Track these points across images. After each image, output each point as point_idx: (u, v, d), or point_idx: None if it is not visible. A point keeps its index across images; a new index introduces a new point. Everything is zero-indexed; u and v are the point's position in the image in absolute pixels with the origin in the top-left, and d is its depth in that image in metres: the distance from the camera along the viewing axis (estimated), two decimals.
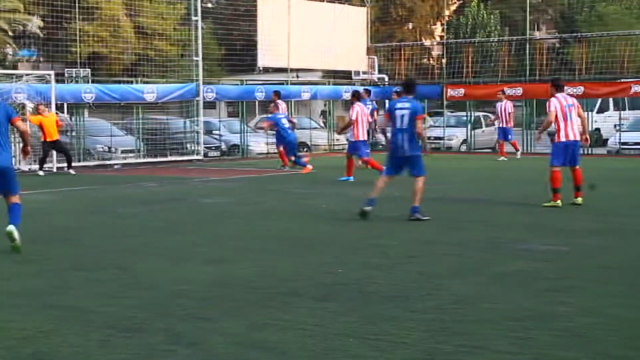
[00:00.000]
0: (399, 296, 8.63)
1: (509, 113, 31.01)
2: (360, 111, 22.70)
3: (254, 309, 8.15)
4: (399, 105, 15.03)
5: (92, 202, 18.48)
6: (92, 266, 10.58)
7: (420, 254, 11.24)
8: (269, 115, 27.90)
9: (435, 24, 59.98)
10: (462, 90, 37.46)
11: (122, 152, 30.81)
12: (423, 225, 13.96)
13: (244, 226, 14.28)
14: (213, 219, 15.28)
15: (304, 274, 9.88)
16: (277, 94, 28.32)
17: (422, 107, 15.87)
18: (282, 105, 27.80)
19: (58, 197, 19.89)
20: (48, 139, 25.87)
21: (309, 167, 25.43)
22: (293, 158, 25.96)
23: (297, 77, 39.62)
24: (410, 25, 58.90)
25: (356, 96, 23.22)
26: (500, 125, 31.39)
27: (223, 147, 35.28)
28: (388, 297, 8.60)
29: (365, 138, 23.15)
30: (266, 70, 41.20)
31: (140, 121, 31.76)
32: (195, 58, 33.41)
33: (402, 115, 14.74)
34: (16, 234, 11.75)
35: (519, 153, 31.69)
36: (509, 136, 31.29)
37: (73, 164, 26.83)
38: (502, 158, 30.55)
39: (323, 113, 44.81)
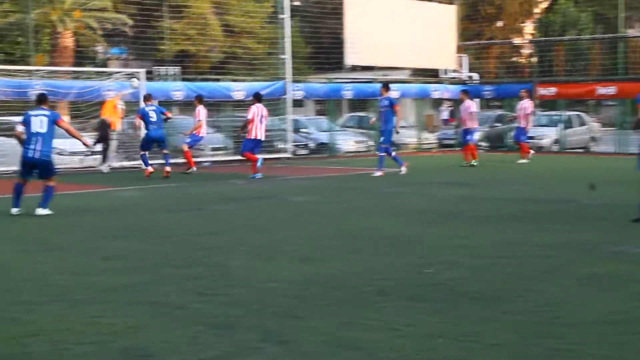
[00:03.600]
0: (489, 297, 8.54)
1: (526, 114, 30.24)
2: (257, 111, 24.08)
3: (344, 308, 8.15)
4: None
5: (182, 199, 18.69)
6: (182, 263, 10.70)
7: (509, 254, 11.09)
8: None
9: (525, 22, 59.37)
10: (553, 89, 37.03)
11: (211, 149, 31.04)
12: (511, 226, 13.82)
13: (331, 225, 14.29)
14: (301, 217, 15.34)
15: (393, 273, 9.86)
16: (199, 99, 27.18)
17: None
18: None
19: (147, 194, 20.14)
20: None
21: (150, 169, 24.34)
22: (141, 153, 25.06)
23: (385, 75, 39.57)
24: (500, 23, 58.41)
25: (257, 97, 24.67)
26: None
27: (311, 145, 35.38)
28: (477, 297, 8.52)
29: (262, 137, 24.37)
30: (354, 68, 41.25)
31: (229, 119, 32.02)
32: (283, 56, 33.56)
33: None
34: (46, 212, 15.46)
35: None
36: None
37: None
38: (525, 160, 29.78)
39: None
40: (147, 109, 24.32)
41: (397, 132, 24.73)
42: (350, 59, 37.24)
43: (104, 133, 27.02)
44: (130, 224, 14.61)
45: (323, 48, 39.03)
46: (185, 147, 26.16)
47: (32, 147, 15.57)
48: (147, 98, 24.99)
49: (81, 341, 7.10)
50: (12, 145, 26.62)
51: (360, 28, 36.27)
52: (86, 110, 29.34)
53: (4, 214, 15.59)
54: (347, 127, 38.85)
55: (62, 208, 16.19)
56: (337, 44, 38.19)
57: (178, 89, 30.64)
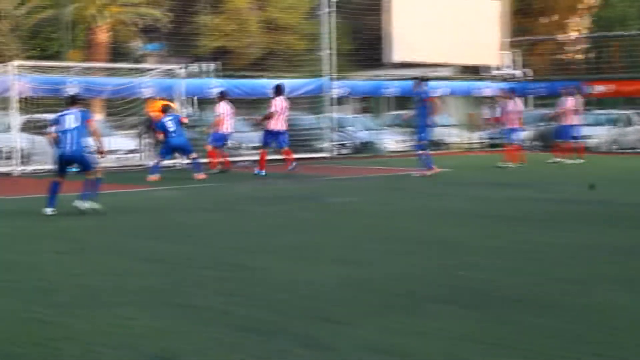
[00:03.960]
0: (527, 301, 8.53)
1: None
2: (280, 104, 24.80)
3: (383, 312, 8.18)
4: None
5: (219, 200, 18.81)
6: (218, 265, 10.76)
7: (550, 257, 11.09)
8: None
9: (576, 17, 58.94)
10: (606, 87, 36.70)
11: (250, 148, 31.05)
12: (555, 227, 13.76)
13: (372, 227, 14.32)
14: (341, 219, 15.39)
15: (434, 276, 9.87)
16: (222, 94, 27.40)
17: None
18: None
19: (184, 194, 20.26)
20: None
21: (155, 177, 23.66)
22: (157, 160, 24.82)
23: (430, 72, 39.48)
24: (550, 18, 58.03)
25: (278, 91, 25.23)
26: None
27: (353, 144, 35.34)
28: (513, 300, 8.53)
29: (281, 129, 24.93)
30: (397, 65, 41.18)
31: None
32: (323, 52, 33.58)
33: None
34: (89, 206, 15.74)
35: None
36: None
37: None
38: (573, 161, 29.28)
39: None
40: (164, 120, 24.36)
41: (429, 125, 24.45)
42: (393, 55, 37.19)
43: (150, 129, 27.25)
44: (165, 225, 14.73)
45: (365, 44, 38.97)
46: (209, 147, 26.34)
47: (65, 143, 15.92)
48: (165, 110, 25.08)
49: (113, 344, 7.18)
50: (45, 143, 26.94)
51: (403, 24, 36.25)
52: (122, 107, 29.56)
53: (38, 213, 15.75)
54: (390, 125, 38.72)
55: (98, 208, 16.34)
56: (379, 40, 38.15)
57: (216, 86, 30.74)
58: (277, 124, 24.64)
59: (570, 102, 29.72)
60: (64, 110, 16.50)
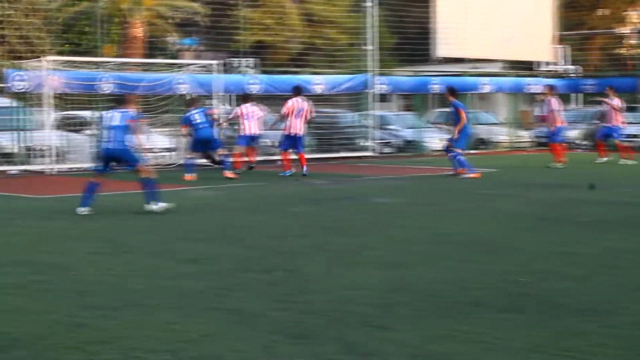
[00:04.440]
0: (590, 309, 8.39)
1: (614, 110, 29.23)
2: (294, 106, 24.61)
3: (432, 319, 8.11)
4: None
5: (259, 200, 18.82)
6: (259, 267, 10.74)
7: (613, 264, 10.93)
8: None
9: (630, 10, 58.47)
10: None
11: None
12: (616, 232, 13.61)
13: (418, 228, 14.27)
14: (385, 220, 15.32)
15: (486, 282, 9.76)
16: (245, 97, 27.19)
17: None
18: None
19: (223, 193, 20.28)
20: None
21: (189, 177, 23.85)
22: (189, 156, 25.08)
23: (476, 68, 39.33)
24: (602, 12, 57.61)
25: (296, 91, 25.14)
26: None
27: (397, 143, 35.25)
28: (580, 310, 8.38)
29: (298, 132, 24.78)
30: (443, 60, 41.03)
31: None
32: (367, 47, 33.51)
33: None
34: (157, 207, 16.08)
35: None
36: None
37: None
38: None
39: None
40: (190, 113, 24.43)
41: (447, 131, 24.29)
42: (439, 50, 37.06)
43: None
44: (206, 226, 14.74)
45: (409, 39, 38.85)
46: (237, 150, 26.25)
47: (107, 139, 16.27)
48: (190, 104, 25.17)
49: (154, 349, 7.16)
50: (80, 141, 27.07)
51: (450, 17, 36.09)
52: (157, 104, 29.64)
53: (73, 213, 15.83)
54: (435, 123, 38.62)
55: (135, 208, 16.39)
56: (424, 35, 38.03)
57: (254, 82, 30.77)
58: (293, 127, 24.50)
59: (617, 100, 29.40)
60: (112, 109, 16.90)
